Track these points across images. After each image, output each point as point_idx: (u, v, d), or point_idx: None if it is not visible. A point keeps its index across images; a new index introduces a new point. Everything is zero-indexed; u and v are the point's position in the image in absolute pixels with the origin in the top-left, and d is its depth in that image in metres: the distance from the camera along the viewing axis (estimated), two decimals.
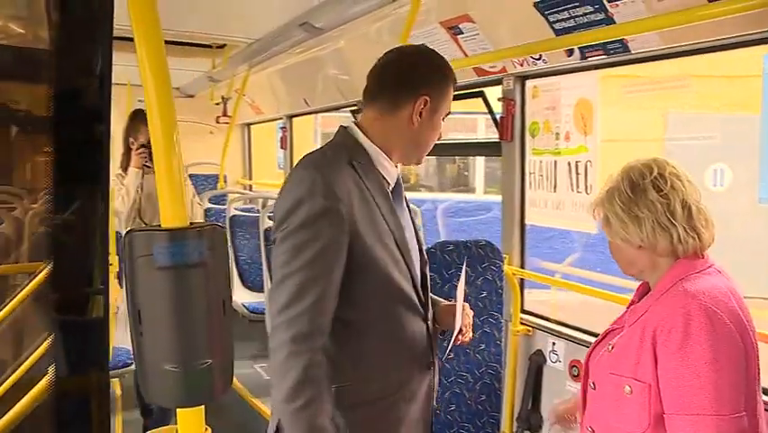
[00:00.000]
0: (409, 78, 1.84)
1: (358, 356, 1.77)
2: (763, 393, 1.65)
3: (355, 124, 1.89)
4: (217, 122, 6.67)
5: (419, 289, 1.87)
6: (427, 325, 1.91)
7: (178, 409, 0.96)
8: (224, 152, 6.54)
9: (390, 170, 1.88)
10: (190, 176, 7.44)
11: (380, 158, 1.86)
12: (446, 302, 2.10)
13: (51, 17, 1.12)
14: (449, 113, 1.91)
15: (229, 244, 5.06)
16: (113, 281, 2.65)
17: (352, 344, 1.77)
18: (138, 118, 4.01)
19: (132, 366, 3.67)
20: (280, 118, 6.50)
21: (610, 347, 1.73)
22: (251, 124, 7.62)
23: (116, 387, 4.23)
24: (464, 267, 2.14)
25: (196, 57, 5.39)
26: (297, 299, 1.66)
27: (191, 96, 7.57)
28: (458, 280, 2.10)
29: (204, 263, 0.90)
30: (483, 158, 10.28)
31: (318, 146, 2.04)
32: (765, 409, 1.62)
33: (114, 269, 2.60)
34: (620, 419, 1.66)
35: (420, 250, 1.95)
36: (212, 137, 7.29)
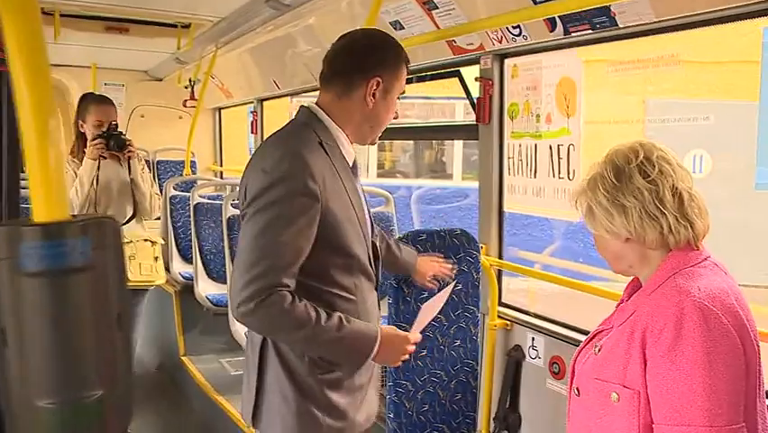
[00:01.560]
0: (361, 60, 1.96)
1: None
2: None
3: (316, 104, 2.01)
4: (185, 105, 6.40)
5: (372, 260, 2.05)
6: (377, 294, 2.11)
7: None
8: (190, 138, 6.29)
9: (349, 150, 2.02)
10: (158, 162, 7.20)
11: (341, 137, 1.99)
12: (423, 256, 2.50)
13: None
14: (403, 92, 2.04)
15: (193, 233, 4.83)
16: None
17: None
18: (85, 102, 3.85)
19: None
20: (251, 102, 6.26)
21: (597, 350, 1.56)
22: (222, 108, 7.37)
23: None
24: (451, 285, 2.35)
25: (161, 37, 5.14)
26: (264, 262, 1.78)
27: (159, 80, 7.31)
28: (439, 290, 2.31)
29: (90, 267, 0.69)
30: (461, 144, 10.10)
31: None
32: None
33: None
34: (606, 430, 1.49)
35: (371, 223, 2.11)
36: (181, 122, 7.02)
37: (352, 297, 1.97)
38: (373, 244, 2.10)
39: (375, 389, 2.18)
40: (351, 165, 2.02)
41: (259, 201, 1.82)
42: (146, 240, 3.93)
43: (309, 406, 1.95)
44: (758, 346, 1.45)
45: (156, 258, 3.95)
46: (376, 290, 2.10)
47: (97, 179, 3.72)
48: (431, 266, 2.53)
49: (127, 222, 3.88)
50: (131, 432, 3.11)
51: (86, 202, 3.70)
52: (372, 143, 2.12)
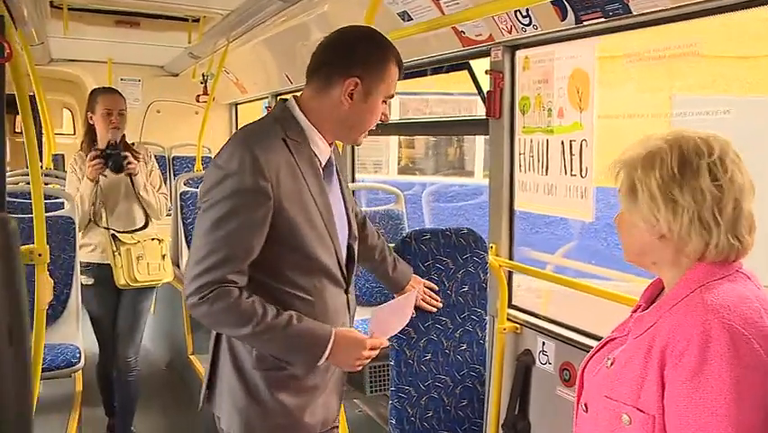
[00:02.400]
0: (342, 58, 1.89)
1: None
2: None
3: (295, 99, 1.96)
4: (197, 101, 6.35)
5: (342, 263, 2.01)
6: (348, 297, 2.05)
7: None
8: (201, 133, 6.22)
9: (322, 148, 1.96)
10: (174, 158, 7.16)
11: (314, 135, 1.93)
12: (415, 280, 2.45)
13: None
14: (392, 96, 1.96)
15: None
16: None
17: None
18: (93, 94, 3.84)
19: (81, 363, 3.38)
20: (265, 97, 6.17)
21: (609, 362, 1.40)
22: (239, 103, 7.31)
23: (78, 382, 3.95)
24: (414, 292, 2.27)
25: (172, 31, 5.07)
26: (211, 257, 1.78)
27: (176, 75, 7.27)
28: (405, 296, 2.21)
29: None
30: (482, 140, 9.95)
31: None
32: None
33: (44, 259, 2.30)
34: None
35: (350, 225, 2.07)
36: (197, 118, 6.98)
37: (309, 297, 1.93)
38: (349, 246, 2.05)
39: (336, 393, 2.11)
40: (323, 164, 1.97)
41: (210, 196, 1.82)
42: (153, 239, 3.87)
43: (252, 401, 1.94)
44: None
45: (164, 256, 3.90)
46: (346, 292, 2.04)
47: (97, 195, 3.69)
48: (420, 283, 2.53)
49: (140, 229, 3.82)
50: (134, 430, 3.04)
51: (85, 218, 3.68)
52: (355, 144, 2.08)
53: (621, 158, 1.39)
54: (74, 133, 8.88)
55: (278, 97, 5.87)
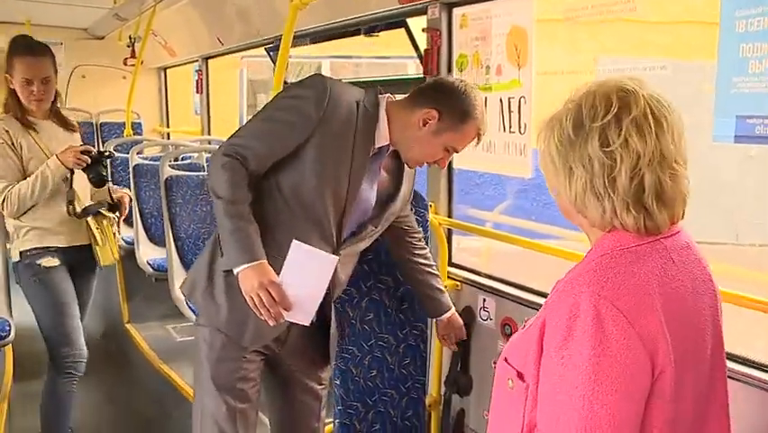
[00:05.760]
0: (439, 93, 2.11)
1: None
2: (728, 359, 1.36)
3: (387, 98, 2.16)
4: (125, 64, 6.14)
5: (344, 230, 2.15)
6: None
7: None
8: (130, 98, 6.04)
9: (382, 136, 2.12)
10: (102, 124, 6.93)
11: (382, 125, 2.11)
12: (453, 319, 2.59)
13: None
14: (456, 150, 2.15)
15: (133, 195, 4.62)
16: None
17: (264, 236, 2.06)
18: (10, 54, 3.17)
19: (11, 336, 3.14)
20: (195, 60, 6.02)
21: (523, 324, 1.39)
22: (168, 67, 7.10)
23: (8, 358, 3.76)
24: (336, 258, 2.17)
25: None
26: (246, 138, 2.07)
27: (101, 38, 7.01)
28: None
29: None
30: None
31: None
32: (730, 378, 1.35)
33: None
34: (500, 417, 1.31)
35: (374, 212, 2.23)
36: (125, 82, 6.75)
37: (293, 234, 2.08)
38: (362, 224, 2.21)
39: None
40: (375, 149, 2.12)
41: (275, 97, 2.20)
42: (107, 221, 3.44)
43: (209, 293, 2.18)
44: (707, 355, 1.23)
45: (114, 234, 3.61)
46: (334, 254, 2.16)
47: (71, 183, 3.22)
48: (454, 328, 2.63)
49: (118, 222, 3.49)
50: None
51: (35, 202, 3.19)
52: (408, 165, 2.24)
53: (541, 122, 1.28)
54: None
55: (207, 60, 5.77)
